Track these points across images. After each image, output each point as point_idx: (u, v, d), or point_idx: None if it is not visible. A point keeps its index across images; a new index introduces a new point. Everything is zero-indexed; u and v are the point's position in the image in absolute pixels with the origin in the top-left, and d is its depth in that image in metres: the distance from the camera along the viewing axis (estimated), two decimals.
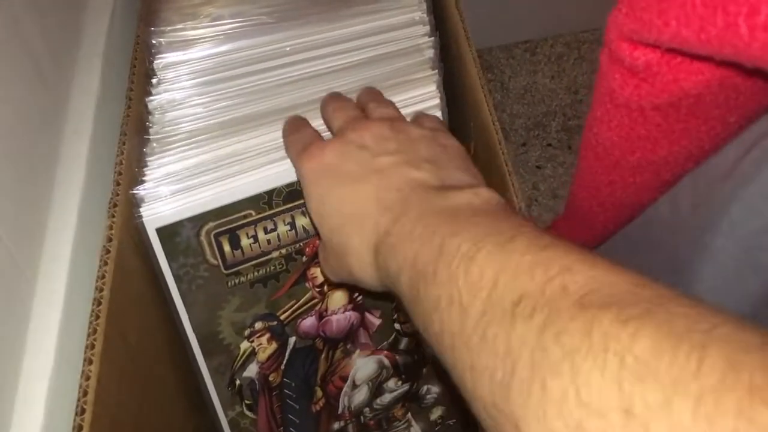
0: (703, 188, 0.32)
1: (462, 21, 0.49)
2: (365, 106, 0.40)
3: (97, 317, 0.34)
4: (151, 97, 0.42)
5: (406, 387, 0.52)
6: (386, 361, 0.50)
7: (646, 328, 0.17)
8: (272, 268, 0.43)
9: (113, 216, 0.37)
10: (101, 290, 0.35)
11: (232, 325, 0.44)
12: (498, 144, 0.41)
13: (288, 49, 0.45)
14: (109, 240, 0.36)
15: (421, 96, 0.44)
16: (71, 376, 0.33)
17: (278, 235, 0.42)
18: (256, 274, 0.43)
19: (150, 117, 0.41)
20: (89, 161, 0.41)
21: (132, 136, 0.41)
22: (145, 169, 0.39)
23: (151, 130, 0.41)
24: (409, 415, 0.53)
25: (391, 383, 0.51)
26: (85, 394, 0.31)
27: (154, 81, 0.43)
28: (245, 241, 0.42)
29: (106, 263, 0.36)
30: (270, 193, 0.41)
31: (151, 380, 0.41)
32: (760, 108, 0.28)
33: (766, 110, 0.28)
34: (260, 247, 0.42)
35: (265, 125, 0.41)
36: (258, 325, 0.44)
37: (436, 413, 0.54)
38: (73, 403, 0.31)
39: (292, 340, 0.46)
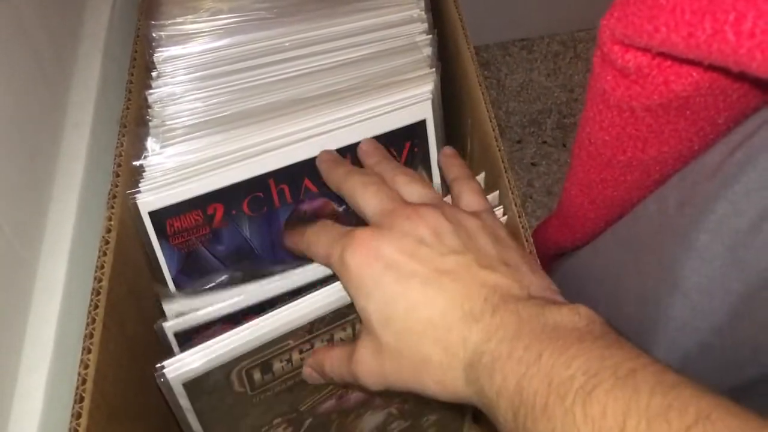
0: (689, 187, 0.33)
1: (461, 19, 0.50)
2: (392, 181, 0.36)
3: (96, 307, 0.34)
4: (151, 91, 0.42)
5: (408, 422, 0.50)
6: (394, 411, 0.48)
7: None
8: (301, 377, 0.40)
9: (112, 207, 0.38)
10: (100, 280, 0.35)
11: (252, 428, 0.41)
12: (495, 141, 0.42)
13: (287, 44, 0.45)
14: (108, 231, 0.37)
15: (418, 95, 0.45)
16: (70, 364, 0.33)
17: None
18: (284, 386, 0.40)
19: (149, 110, 0.42)
20: (89, 153, 0.41)
21: (132, 129, 0.42)
22: (144, 162, 0.40)
23: (150, 124, 0.41)
24: None
25: (395, 424, 0.50)
26: (84, 382, 0.32)
27: (154, 74, 0.43)
28: (278, 366, 0.38)
29: (105, 254, 0.36)
30: (313, 322, 0.37)
31: (149, 369, 0.41)
32: (747, 109, 0.29)
33: (753, 111, 0.29)
34: (292, 366, 0.39)
35: (262, 122, 0.42)
36: (277, 421, 0.42)
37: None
38: (72, 391, 0.31)
39: (308, 421, 0.44)
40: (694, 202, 0.31)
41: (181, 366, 0.35)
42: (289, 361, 0.38)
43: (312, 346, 0.38)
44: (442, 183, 0.47)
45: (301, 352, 0.38)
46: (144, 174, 0.39)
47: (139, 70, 0.45)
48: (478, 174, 0.45)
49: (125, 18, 0.51)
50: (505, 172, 0.41)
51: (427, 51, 0.47)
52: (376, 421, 0.48)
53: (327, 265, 0.34)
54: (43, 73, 0.41)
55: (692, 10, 0.23)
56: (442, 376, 0.28)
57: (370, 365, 0.31)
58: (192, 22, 0.45)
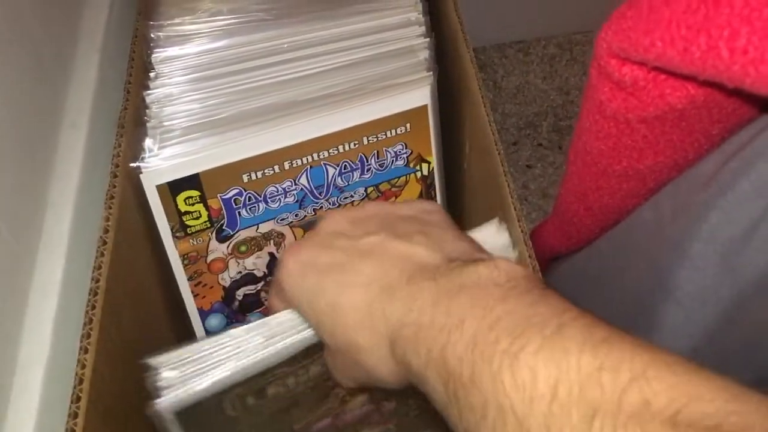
0: (683, 195, 0.33)
1: (460, 22, 0.50)
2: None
3: (93, 307, 0.34)
4: (149, 91, 0.42)
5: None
6: (392, 427, 0.48)
7: None
8: (297, 399, 0.39)
9: (110, 208, 0.38)
10: (97, 281, 0.35)
11: None
12: (494, 145, 0.42)
13: (285, 46, 0.45)
14: (106, 231, 0.37)
15: (414, 98, 0.45)
16: (67, 364, 0.33)
17: (309, 376, 0.37)
18: (278, 407, 0.39)
19: (147, 111, 0.42)
20: (87, 153, 0.41)
21: (129, 129, 0.42)
22: (141, 164, 0.40)
23: (148, 124, 0.41)
24: None
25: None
26: (81, 381, 0.32)
27: (152, 75, 0.43)
28: (272, 390, 0.37)
29: (102, 254, 0.36)
30: (309, 348, 0.35)
31: (146, 369, 0.41)
32: (742, 121, 0.29)
33: (747, 122, 0.30)
34: (288, 389, 0.38)
35: (260, 123, 0.42)
36: None
37: None
38: (69, 390, 0.31)
39: None
40: (688, 211, 0.32)
41: (174, 396, 0.34)
42: (284, 385, 0.37)
43: (308, 371, 0.37)
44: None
45: (296, 377, 0.37)
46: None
47: (137, 70, 0.45)
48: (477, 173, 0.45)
49: (123, 18, 0.51)
50: (505, 175, 0.41)
51: (424, 54, 0.47)
52: None
53: (286, 304, 0.33)
54: (41, 73, 0.41)
55: (687, 25, 0.23)
56: (374, 360, 0.28)
57: (333, 369, 0.32)
58: (190, 23, 0.45)
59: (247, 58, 0.45)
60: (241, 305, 0.47)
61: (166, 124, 0.41)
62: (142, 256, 0.43)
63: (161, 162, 0.40)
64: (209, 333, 0.46)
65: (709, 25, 0.22)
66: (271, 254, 0.46)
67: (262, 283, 0.46)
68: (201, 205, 0.42)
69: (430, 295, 0.25)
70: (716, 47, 0.22)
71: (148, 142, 0.40)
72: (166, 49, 0.44)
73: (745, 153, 0.28)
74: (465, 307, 0.24)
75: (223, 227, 0.43)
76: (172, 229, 0.42)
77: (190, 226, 0.42)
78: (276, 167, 0.43)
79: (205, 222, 0.43)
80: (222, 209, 0.43)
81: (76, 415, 0.31)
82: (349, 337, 0.28)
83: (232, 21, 0.46)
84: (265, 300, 0.46)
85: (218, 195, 0.42)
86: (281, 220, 0.44)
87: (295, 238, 0.45)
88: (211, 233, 0.43)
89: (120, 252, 0.37)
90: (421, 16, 0.48)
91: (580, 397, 0.19)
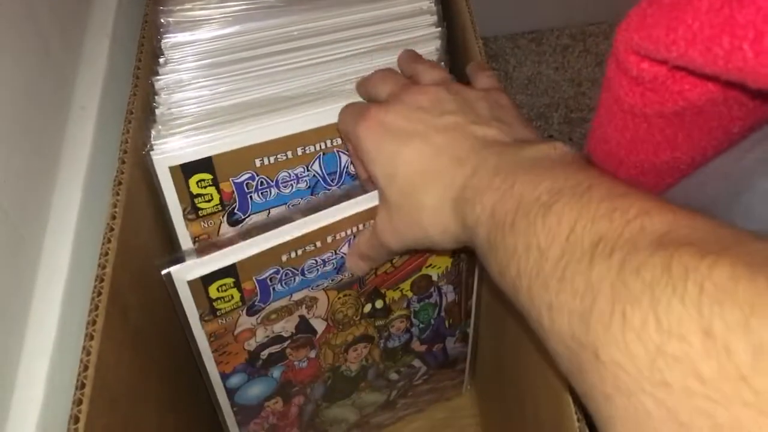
0: (696, 188, 0.33)
1: (470, 12, 0.49)
2: (414, 73, 0.39)
3: (99, 294, 0.34)
4: (158, 77, 0.42)
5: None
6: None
7: (724, 259, 0.18)
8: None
9: (117, 194, 0.38)
10: (104, 267, 0.35)
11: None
12: None
13: (295, 33, 0.45)
14: (113, 218, 0.37)
15: None
16: (72, 350, 0.33)
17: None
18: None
19: (156, 97, 0.41)
20: (95, 139, 0.41)
21: (138, 115, 0.42)
22: (155, 143, 0.39)
23: (157, 111, 0.41)
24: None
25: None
26: (86, 368, 0.32)
27: (161, 60, 0.43)
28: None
29: (109, 240, 0.36)
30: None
31: (151, 356, 0.41)
32: (763, 119, 0.29)
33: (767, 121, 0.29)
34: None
35: (272, 111, 0.42)
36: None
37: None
38: (74, 377, 0.31)
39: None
40: (704, 205, 0.31)
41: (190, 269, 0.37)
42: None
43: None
44: None
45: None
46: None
47: (146, 55, 0.45)
48: None
49: (133, 2, 0.50)
50: None
51: (436, 44, 0.46)
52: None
53: (349, 140, 0.38)
54: (50, 57, 0.41)
55: (711, 25, 0.23)
56: (436, 217, 0.31)
57: (386, 226, 0.35)
58: (201, 8, 0.45)
59: (258, 45, 0.44)
60: (264, 363, 0.46)
61: (175, 110, 0.41)
62: (150, 242, 0.43)
63: (174, 145, 0.39)
64: (230, 392, 0.46)
65: (733, 25, 0.22)
66: (301, 317, 0.45)
67: (289, 341, 0.46)
68: (213, 188, 0.41)
69: (492, 165, 0.29)
70: (740, 48, 0.22)
71: (159, 128, 0.40)
72: (176, 34, 0.43)
73: (762, 151, 0.28)
74: (519, 174, 0.27)
75: (235, 211, 0.43)
76: (183, 211, 0.42)
77: (201, 209, 0.42)
78: (289, 153, 0.42)
79: (216, 205, 0.42)
80: (234, 193, 0.42)
81: (80, 402, 0.31)
82: (418, 196, 0.32)
83: (243, 7, 0.45)
84: (290, 354, 0.46)
85: (230, 179, 0.42)
86: (316, 286, 0.43)
87: (329, 301, 0.45)
88: (223, 217, 0.43)
89: (127, 238, 0.37)
90: (432, 5, 0.48)
91: (592, 229, 0.22)
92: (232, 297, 0.40)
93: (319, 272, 0.42)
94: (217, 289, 0.38)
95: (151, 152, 0.39)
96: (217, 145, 0.40)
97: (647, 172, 0.34)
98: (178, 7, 0.44)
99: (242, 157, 0.41)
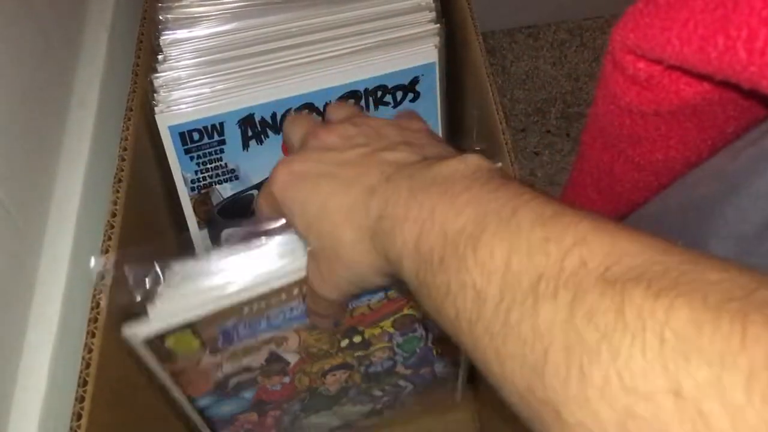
0: (690, 188, 0.33)
1: (470, 9, 0.49)
2: (326, 115, 0.38)
3: (101, 291, 0.34)
4: (157, 74, 0.42)
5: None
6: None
7: (680, 300, 0.17)
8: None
9: (117, 191, 0.38)
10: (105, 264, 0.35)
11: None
12: (501, 134, 0.42)
13: (294, 30, 0.45)
14: (114, 215, 0.37)
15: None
16: (74, 348, 0.33)
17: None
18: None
19: (155, 95, 0.41)
20: (95, 135, 0.41)
21: (137, 112, 0.42)
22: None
23: (156, 108, 0.41)
24: None
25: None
26: (88, 366, 0.32)
27: (160, 57, 0.43)
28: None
29: (110, 238, 0.36)
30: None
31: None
32: (757, 119, 0.29)
33: (762, 120, 0.29)
34: None
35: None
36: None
37: None
38: (76, 374, 0.31)
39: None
40: (698, 205, 0.32)
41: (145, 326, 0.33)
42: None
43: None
44: None
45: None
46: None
47: (145, 52, 0.45)
48: None
49: None
50: (511, 164, 0.41)
51: (435, 40, 0.46)
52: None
53: (272, 210, 0.35)
54: (49, 53, 0.41)
55: (705, 24, 0.23)
56: (357, 254, 0.30)
57: (315, 275, 0.33)
58: (199, 5, 0.45)
59: (256, 42, 0.44)
60: (234, 388, 0.42)
61: (173, 108, 0.41)
62: (149, 238, 0.43)
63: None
64: (200, 410, 0.42)
65: (727, 25, 0.22)
66: (271, 352, 0.40)
67: (259, 371, 0.41)
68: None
69: (405, 190, 0.27)
70: (734, 48, 0.22)
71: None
72: (174, 31, 0.43)
73: (757, 151, 0.28)
74: (435, 197, 0.26)
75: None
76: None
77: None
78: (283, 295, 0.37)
79: None
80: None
81: (83, 399, 0.31)
82: (335, 234, 0.30)
83: (241, 4, 0.45)
84: (262, 381, 0.43)
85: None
86: (285, 328, 0.39)
87: (300, 339, 0.40)
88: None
89: (127, 235, 0.37)
90: (431, 1, 0.48)
91: (529, 265, 0.21)
92: (191, 344, 0.36)
93: (286, 317, 0.38)
94: (175, 340, 0.35)
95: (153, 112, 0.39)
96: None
97: (642, 169, 0.34)
98: (177, 4, 0.44)
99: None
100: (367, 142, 0.32)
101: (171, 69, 0.42)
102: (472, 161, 0.27)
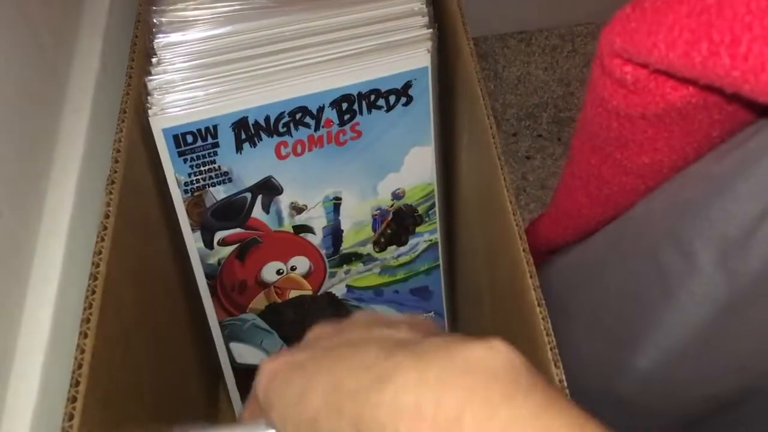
0: (675, 189, 0.34)
1: (461, 15, 0.50)
2: None
3: (93, 292, 0.34)
4: (151, 77, 0.42)
5: None
6: None
7: None
8: None
9: (111, 193, 0.38)
10: (98, 266, 0.35)
11: None
12: (492, 138, 0.42)
13: (288, 34, 0.45)
14: (107, 217, 0.37)
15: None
16: (67, 348, 0.33)
17: None
18: None
19: (149, 97, 0.42)
20: (88, 138, 0.41)
21: (131, 114, 0.42)
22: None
23: (150, 111, 0.41)
24: None
25: None
26: (80, 366, 0.32)
27: (154, 60, 0.43)
28: None
29: (103, 239, 0.36)
30: None
31: (145, 355, 0.41)
32: (741, 124, 0.30)
33: (747, 124, 0.30)
34: None
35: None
36: None
37: None
38: (68, 375, 0.32)
39: None
40: (682, 207, 0.32)
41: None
42: None
43: None
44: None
45: None
46: None
47: (139, 55, 0.45)
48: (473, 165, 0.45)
49: (126, 1, 0.50)
50: (501, 168, 0.41)
51: (427, 45, 0.47)
52: None
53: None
54: (43, 57, 0.41)
55: (690, 29, 0.23)
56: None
57: None
58: (193, 8, 0.45)
59: (250, 45, 0.45)
60: None
61: (167, 111, 0.41)
62: (142, 240, 0.43)
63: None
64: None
65: (711, 30, 0.22)
66: None
67: None
68: None
69: (413, 373, 0.21)
70: (717, 53, 0.22)
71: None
72: (168, 34, 0.44)
73: (742, 153, 0.28)
74: (461, 397, 0.20)
75: None
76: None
77: None
78: None
79: None
80: None
81: (74, 400, 0.31)
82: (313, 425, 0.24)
83: (235, 7, 0.46)
84: None
85: None
86: None
87: None
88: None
89: (120, 237, 0.38)
90: (424, 6, 0.48)
91: None
92: None
93: None
94: None
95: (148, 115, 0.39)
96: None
97: (630, 173, 0.35)
98: (171, 7, 0.45)
99: None
100: (363, 329, 0.27)
101: (165, 72, 0.43)
102: (503, 351, 0.22)
